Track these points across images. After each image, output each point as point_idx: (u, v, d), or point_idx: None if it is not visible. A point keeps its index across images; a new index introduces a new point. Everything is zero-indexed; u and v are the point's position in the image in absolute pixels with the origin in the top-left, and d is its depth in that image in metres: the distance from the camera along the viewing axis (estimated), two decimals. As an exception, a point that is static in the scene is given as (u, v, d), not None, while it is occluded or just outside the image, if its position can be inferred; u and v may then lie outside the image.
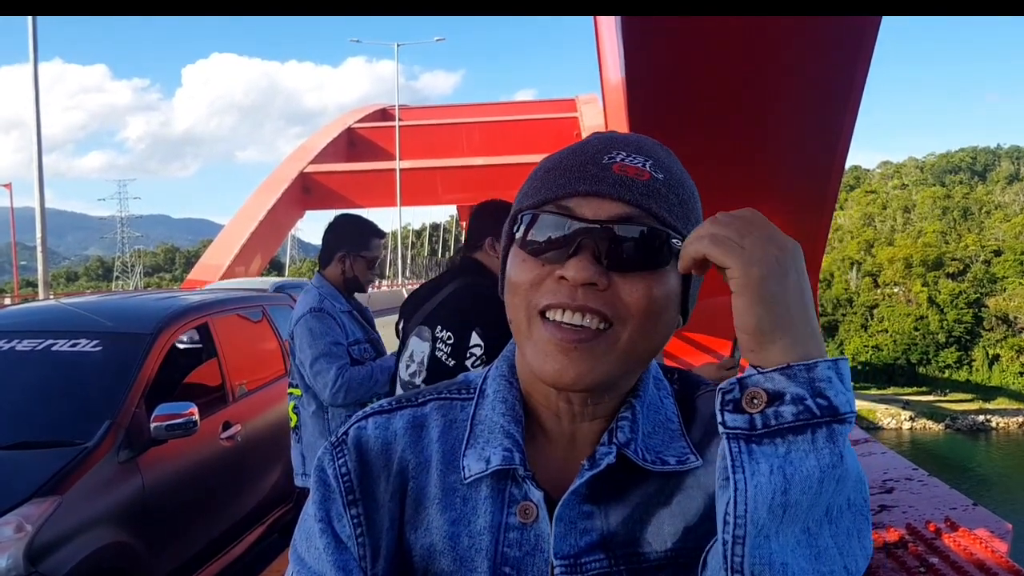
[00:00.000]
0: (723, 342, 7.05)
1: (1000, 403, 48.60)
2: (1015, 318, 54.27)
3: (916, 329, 55.53)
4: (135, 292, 9.15)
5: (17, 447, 3.52)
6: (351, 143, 45.33)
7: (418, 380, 2.20)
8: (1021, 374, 52.27)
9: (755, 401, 0.64)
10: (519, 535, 0.78)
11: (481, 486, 0.80)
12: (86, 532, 3.30)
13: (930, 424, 44.86)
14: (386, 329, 4.08)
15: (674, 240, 0.76)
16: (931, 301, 56.40)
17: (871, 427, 40.83)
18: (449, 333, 2.17)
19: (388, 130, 42.59)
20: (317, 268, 3.46)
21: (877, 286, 60.11)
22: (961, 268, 58.09)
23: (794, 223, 6.32)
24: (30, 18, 16.58)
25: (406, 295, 2.65)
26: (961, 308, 55.59)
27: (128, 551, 3.50)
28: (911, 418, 45.17)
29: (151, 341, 4.12)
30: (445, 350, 2.16)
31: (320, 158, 40.66)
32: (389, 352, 3.45)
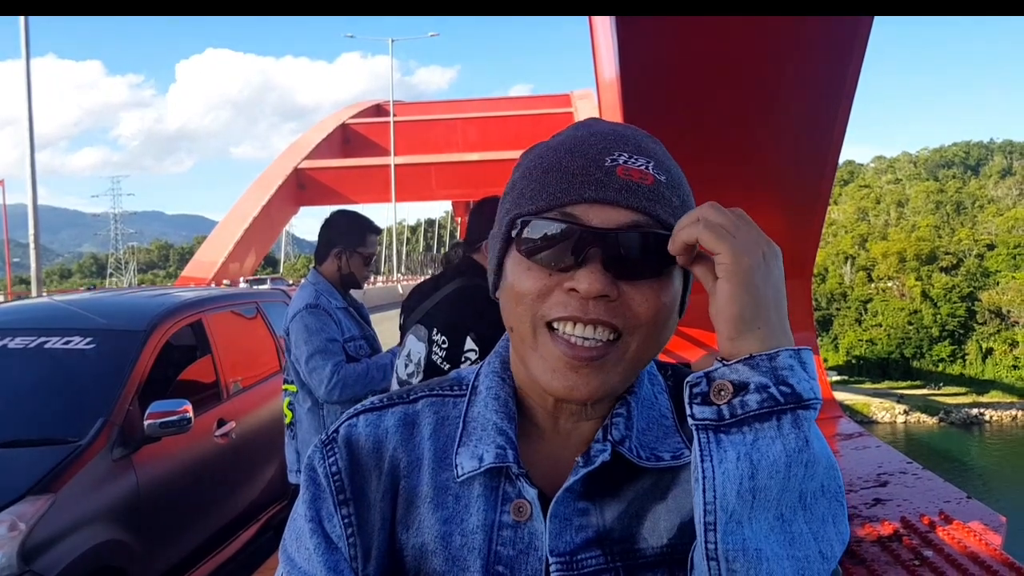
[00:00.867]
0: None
1: (993, 396, 48.86)
2: (1008, 312, 54.50)
3: (910, 323, 55.72)
4: (128, 289, 9.12)
5: (10, 445, 3.50)
6: (346, 139, 45.26)
7: (415, 380, 2.20)
8: (1014, 367, 52.51)
9: (722, 393, 0.65)
10: (513, 533, 0.77)
11: (474, 484, 0.79)
12: (80, 530, 3.29)
13: (924, 418, 45.08)
14: (381, 325, 4.08)
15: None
16: (925, 295, 56.60)
17: (865, 421, 40.96)
18: (444, 337, 2.17)
19: (383, 126, 42.54)
20: (313, 264, 3.45)
21: (871, 280, 60.30)
22: (954, 262, 58.32)
23: (788, 218, 6.34)
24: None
25: (401, 291, 2.65)
26: (954, 302, 55.81)
27: (122, 549, 3.49)
28: (905, 412, 45.38)
29: (144, 338, 4.11)
30: (440, 353, 2.16)
31: (315, 154, 40.59)
32: (385, 349, 3.45)
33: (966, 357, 55.00)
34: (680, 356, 6.61)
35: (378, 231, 3.46)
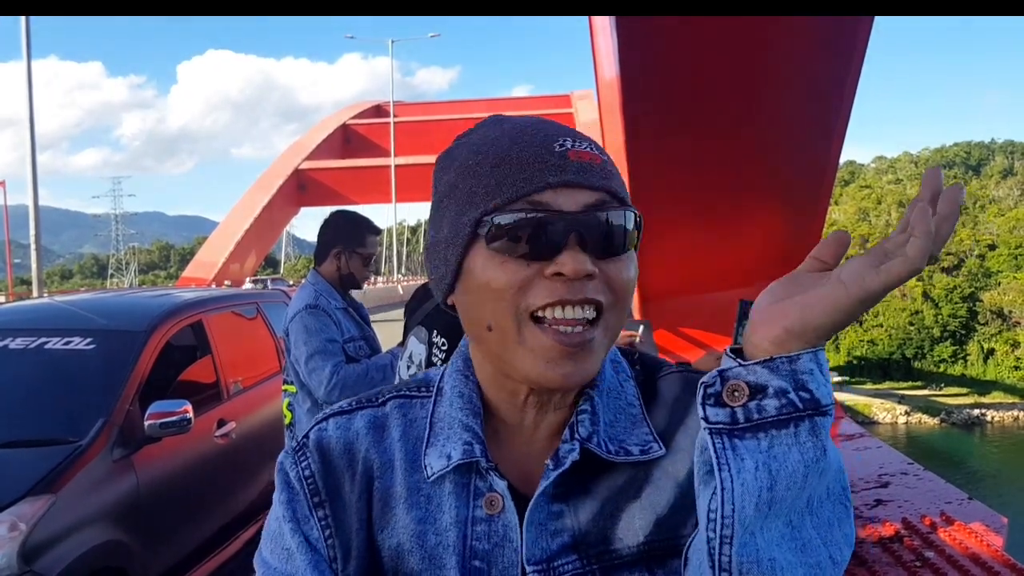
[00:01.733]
0: (718, 337, 7.06)
1: (995, 397, 48.77)
2: (1010, 312, 54.44)
3: (911, 324, 55.66)
4: (129, 290, 9.13)
5: (10, 445, 3.50)
6: (346, 139, 45.30)
7: None
8: (1016, 368, 52.43)
9: (736, 394, 0.62)
10: (487, 527, 0.78)
11: (445, 482, 0.80)
12: (80, 531, 3.28)
13: (925, 418, 45.01)
14: (381, 326, 4.07)
15: (635, 216, 0.77)
16: (926, 296, 56.54)
17: (866, 421, 40.92)
18: (444, 339, 2.18)
19: (383, 126, 42.56)
20: (312, 265, 3.45)
21: (872, 281, 60.15)
22: (956, 262, 58.23)
23: (790, 218, 6.33)
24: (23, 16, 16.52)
25: (402, 292, 2.65)
26: (956, 302, 55.73)
27: (123, 549, 3.49)
28: (906, 412, 45.31)
29: (145, 339, 4.11)
30: (440, 356, 2.16)
31: (315, 154, 40.64)
32: (385, 349, 3.45)
33: (968, 358, 54.92)
34: (680, 356, 6.60)
35: (377, 231, 3.46)
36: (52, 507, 3.17)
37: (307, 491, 0.81)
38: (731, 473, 0.61)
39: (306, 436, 0.84)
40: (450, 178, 0.80)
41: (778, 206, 6.17)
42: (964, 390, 50.71)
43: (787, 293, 0.64)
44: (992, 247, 58.72)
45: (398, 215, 44.76)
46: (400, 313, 2.67)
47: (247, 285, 26.03)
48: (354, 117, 46.32)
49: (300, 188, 39.28)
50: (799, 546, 0.64)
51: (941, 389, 51.60)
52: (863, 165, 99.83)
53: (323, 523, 0.81)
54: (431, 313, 2.26)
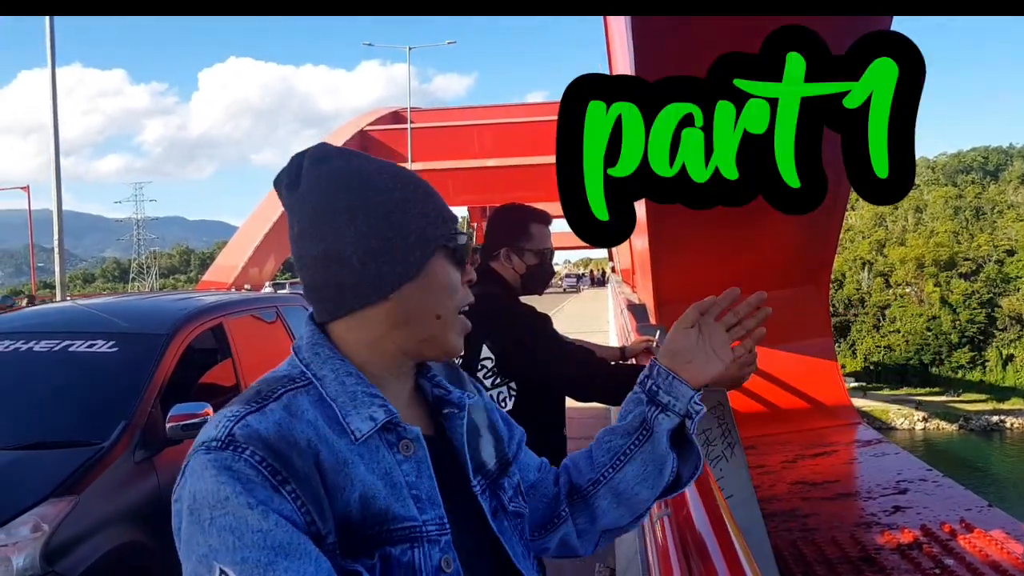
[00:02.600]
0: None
1: (1014, 403, 48.14)
2: (1030, 318, 53.77)
3: (928, 329, 55.13)
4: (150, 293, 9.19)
5: (34, 447, 3.54)
6: (364, 146, 45.33)
7: None
8: (1035, 374, 51.78)
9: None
10: (411, 466, 0.98)
11: (369, 441, 0.96)
12: (102, 531, 3.31)
13: (944, 424, 44.50)
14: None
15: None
16: (943, 301, 55.98)
17: (884, 427, 40.55)
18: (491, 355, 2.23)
19: (400, 133, 42.64)
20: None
21: (889, 286, 59.72)
22: (974, 268, 57.64)
23: (805, 223, 6.30)
24: (47, 22, 16.70)
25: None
26: (974, 308, 55.15)
27: (144, 550, 3.51)
28: (924, 419, 44.79)
29: (167, 342, 4.15)
30: (456, 361, 2.18)
31: (332, 160, 40.67)
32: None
33: (986, 364, 54.30)
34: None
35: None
36: (74, 508, 3.21)
37: (265, 473, 0.86)
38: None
39: (229, 434, 0.89)
40: (396, 196, 1.02)
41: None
42: (982, 396, 50.10)
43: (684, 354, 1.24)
44: (1011, 252, 58.07)
45: (414, 220, 44.59)
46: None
47: (266, 289, 26.14)
48: (372, 123, 46.36)
49: (317, 193, 39.33)
50: None
51: (959, 395, 51.01)
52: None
53: (292, 495, 0.87)
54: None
